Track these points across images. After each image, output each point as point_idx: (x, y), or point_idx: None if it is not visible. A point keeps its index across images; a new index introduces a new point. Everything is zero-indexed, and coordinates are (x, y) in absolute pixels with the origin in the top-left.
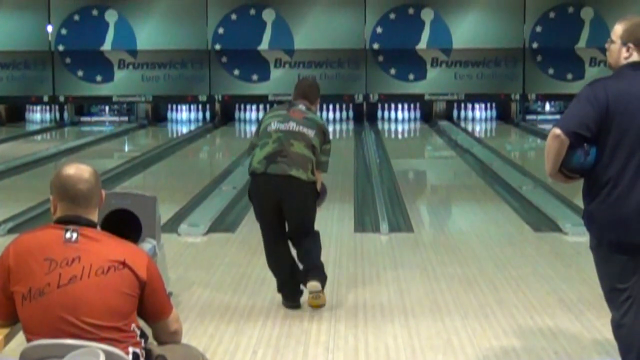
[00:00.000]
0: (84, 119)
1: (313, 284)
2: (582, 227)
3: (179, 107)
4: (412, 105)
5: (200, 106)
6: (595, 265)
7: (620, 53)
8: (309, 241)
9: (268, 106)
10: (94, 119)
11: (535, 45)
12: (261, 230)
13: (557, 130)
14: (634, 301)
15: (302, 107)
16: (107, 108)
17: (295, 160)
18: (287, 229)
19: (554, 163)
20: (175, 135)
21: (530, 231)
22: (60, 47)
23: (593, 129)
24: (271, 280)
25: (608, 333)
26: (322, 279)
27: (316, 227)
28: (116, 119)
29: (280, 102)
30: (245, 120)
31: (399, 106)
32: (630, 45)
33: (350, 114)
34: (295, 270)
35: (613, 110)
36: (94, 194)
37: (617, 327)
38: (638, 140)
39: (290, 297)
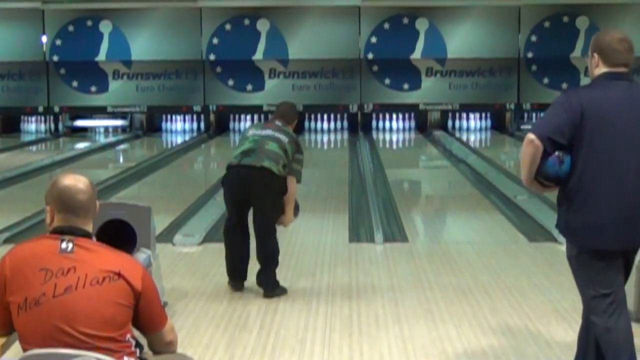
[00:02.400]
0: (79, 122)
1: (265, 293)
2: None
3: (173, 117)
4: (406, 115)
5: (194, 116)
6: (575, 274)
7: (592, 64)
8: (264, 237)
9: (262, 116)
10: (88, 121)
11: (530, 54)
12: (227, 213)
13: (531, 136)
14: (618, 305)
15: (278, 122)
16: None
17: (268, 154)
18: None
19: (529, 170)
20: (169, 145)
21: (525, 241)
22: (55, 58)
23: (567, 135)
24: None
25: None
26: (270, 290)
27: (311, 237)
28: (112, 121)
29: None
30: (239, 131)
31: (394, 116)
32: (595, 54)
33: (345, 123)
34: (245, 262)
35: (587, 118)
36: (92, 204)
37: (606, 332)
38: (611, 148)
39: (235, 280)
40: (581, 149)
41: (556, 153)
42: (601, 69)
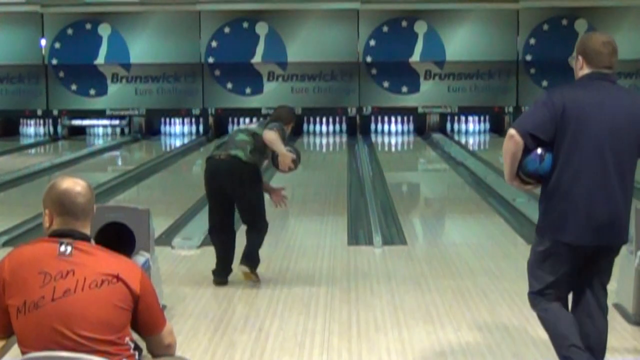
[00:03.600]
0: (77, 121)
1: (242, 268)
2: None
3: (172, 120)
4: (405, 118)
5: (193, 119)
6: (534, 265)
7: (576, 66)
8: (253, 232)
9: (261, 119)
10: (87, 121)
11: (528, 57)
12: (208, 209)
13: (512, 131)
14: (570, 299)
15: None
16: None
17: (236, 144)
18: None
19: (510, 165)
20: (168, 148)
21: (523, 244)
22: (54, 61)
23: (548, 132)
24: (264, 294)
25: None
26: (252, 264)
27: (310, 240)
28: (110, 121)
29: None
30: None
31: (392, 119)
32: (580, 57)
33: (344, 126)
34: (230, 253)
35: (568, 116)
36: (90, 207)
37: (545, 312)
38: (591, 147)
39: (219, 274)
40: (562, 147)
41: (538, 150)
42: (585, 71)
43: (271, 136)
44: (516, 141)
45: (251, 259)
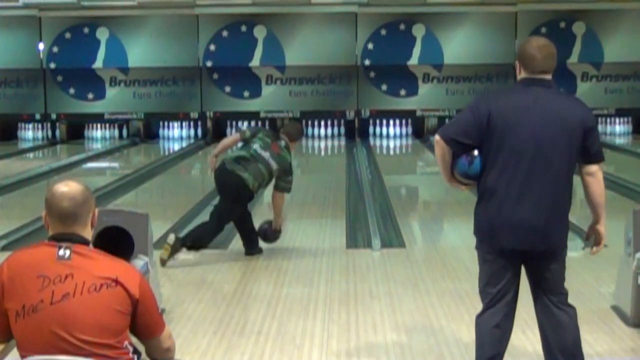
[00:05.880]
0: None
1: (171, 237)
2: (573, 242)
3: (170, 124)
4: (403, 121)
5: (192, 123)
6: (479, 264)
7: (517, 70)
8: (211, 224)
9: (260, 123)
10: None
11: None
12: None
13: (437, 137)
14: (502, 305)
15: (282, 143)
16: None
17: (252, 171)
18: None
19: (442, 168)
20: (167, 152)
21: None
22: (52, 65)
23: (473, 137)
24: (264, 296)
25: (601, 347)
26: (182, 242)
27: (309, 243)
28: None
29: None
30: None
31: (391, 122)
32: (517, 61)
33: (342, 130)
34: (203, 231)
35: (494, 121)
36: (79, 212)
37: (476, 325)
38: (515, 151)
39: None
40: (489, 151)
41: (467, 154)
42: (521, 75)
43: (278, 202)
44: (441, 146)
45: (185, 238)
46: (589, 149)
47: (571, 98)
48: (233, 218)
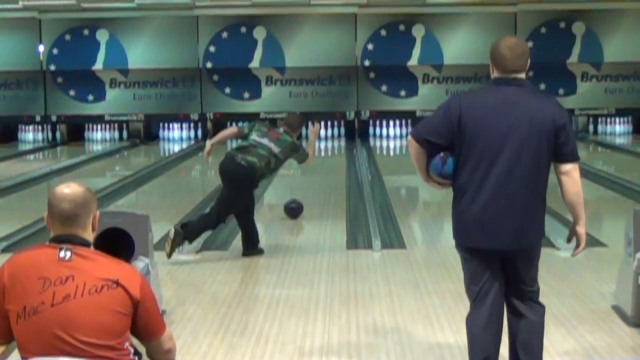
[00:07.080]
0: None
1: (176, 227)
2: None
3: (170, 125)
4: (403, 122)
5: (192, 124)
6: (461, 263)
7: (490, 70)
8: (210, 216)
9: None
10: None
11: None
12: None
13: (410, 137)
14: (485, 303)
15: (281, 129)
16: None
17: (255, 154)
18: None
19: (418, 168)
20: (167, 153)
21: None
22: (52, 67)
23: (445, 137)
24: (264, 297)
25: (600, 347)
26: (184, 235)
27: (309, 243)
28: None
29: (272, 119)
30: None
31: (391, 123)
32: (490, 62)
33: (342, 130)
34: (202, 223)
35: (465, 122)
36: (79, 213)
37: (466, 324)
38: (485, 151)
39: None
40: (461, 151)
41: (441, 153)
42: (494, 75)
43: (312, 153)
44: (414, 146)
45: (187, 230)
46: (562, 148)
47: (543, 97)
48: (238, 206)
